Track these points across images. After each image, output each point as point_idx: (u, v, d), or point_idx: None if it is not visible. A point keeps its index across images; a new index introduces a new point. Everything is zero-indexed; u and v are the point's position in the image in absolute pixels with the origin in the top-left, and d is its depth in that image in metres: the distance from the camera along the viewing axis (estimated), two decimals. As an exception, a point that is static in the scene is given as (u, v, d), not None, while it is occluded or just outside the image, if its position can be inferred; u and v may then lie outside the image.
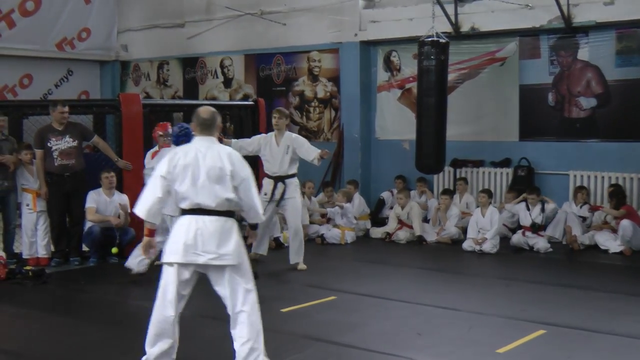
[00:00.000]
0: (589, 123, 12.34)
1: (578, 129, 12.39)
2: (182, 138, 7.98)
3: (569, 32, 12.28)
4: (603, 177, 12.10)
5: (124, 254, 10.33)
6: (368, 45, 14.37)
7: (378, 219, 13.30)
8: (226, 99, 16.31)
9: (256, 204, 5.92)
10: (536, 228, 11.38)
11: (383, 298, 8.43)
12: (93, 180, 10.46)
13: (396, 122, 14.24)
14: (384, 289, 8.88)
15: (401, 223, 12.35)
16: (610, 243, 11.05)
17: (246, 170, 5.88)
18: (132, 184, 10.66)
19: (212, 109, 6.14)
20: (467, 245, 11.34)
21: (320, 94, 15.11)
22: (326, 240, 12.09)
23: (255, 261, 9.36)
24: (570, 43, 12.39)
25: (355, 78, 14.33)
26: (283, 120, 10.19)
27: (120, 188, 10.66)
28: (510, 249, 11.34)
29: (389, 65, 14.32)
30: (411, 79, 13.86)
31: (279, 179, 10.08)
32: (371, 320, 7.56)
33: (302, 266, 10.02)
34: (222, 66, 16.62)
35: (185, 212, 5.87)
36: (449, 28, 12.70)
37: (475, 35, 13.02)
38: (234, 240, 5.80)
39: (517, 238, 11.48)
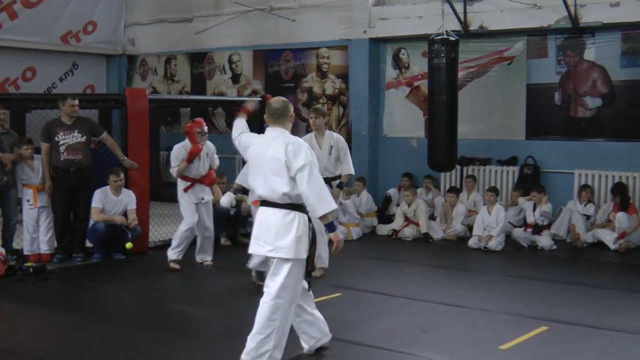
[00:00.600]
0: (594, 122, 12.38)
1: (583, 129, 12.44)
2: None
3: (575, 32, 12.32)
4: (607, 176, 12.16)
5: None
6: (377, 43, 14.40)
7: (385, 216, 13.35)
8: (234, 95, 16.35)
9: (317, 193, 5.70)
10: (539, 228, 11.43)
11: (388, 295, 8.48)
12: (98, 176, 10.40)
13: (404, 119, 14.28)
14: (389, 286, 8.93)
15: (408, 220, 12.40)
16: (609, 238, 11.20)
17: (302, 159, 5.71)
18: (138, 180, 10.72)
19: (284, 99, 6.16)
20: (472, 242, 11.40)
21: (329, 91, 15.15)
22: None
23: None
24: (577, 43, 12.44)
25: (364, 75, 14.36)
26: (321, 119, 9.43)
27: (126, 184, 10.59)
28: (514, 246, 11.40)
29: (397, 63, 14.36)
30: (420, 76, 13.90)
31: (325, 182, 9.28)
32: (376, 317, 7.62)
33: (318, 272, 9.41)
34: (230, 62, 16.67)
35: (260, 202, 6.01)
36: (457, 26, 12.73)
37: (484, 34, 13.06)
38: (293, 234, 5.76)
39: (517, 233, 11.56)
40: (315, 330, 6.31)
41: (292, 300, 5.85)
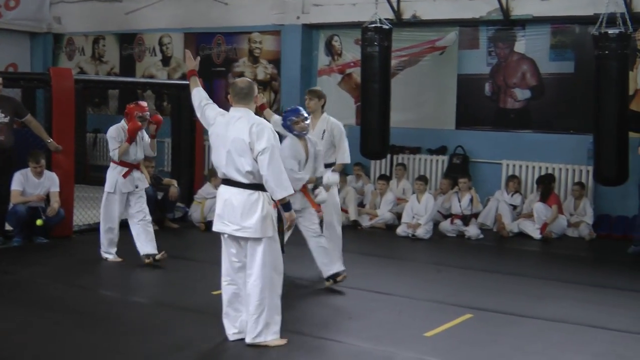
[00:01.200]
0: (522, 114, 12.57)
1: (512, 120, 12.62)
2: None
3: (507, 24, 12.48)
4: (534, 167, 12.37)
5: (51, 234, 10.16)
6: (310, 29, 14.34)
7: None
8: (164, 78, 16.12)
9: (276, 177, 5.79)
10: (467, 219, 11.52)
11: (315, 282, 8.44)
12: (22, 158, 10.02)
13: (336, 106, 14.16)
14: (316, 273, 8.88)
15: (337, 207, 12.38)
16: (531, 229, 11.41)
17: (264, 142, 5.78)
18: (63, 163, 10.41)
19: (249, 79, 6.21)
20: (401, 230, 11.44)
21: (261, 76, 15.04)
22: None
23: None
24: (508, 35, 12.60)
25: (296, 61, 14.30)
26: (315, 101, 8.81)
27: (50, 166, 10.25)
28: (442, 235, 11.49)
29: (330, 50, 14.33)
30: (352, 64, 13.90)
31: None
32: (302, 304, 7.57)
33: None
34: (161, 44, 16.42)
35: (222, 181, 6.07)
36: (391, 15, 12.76)
37: (417, 24, 13.11)
38: (259, 213, 5.87)
39: (444, 226, 11.65)
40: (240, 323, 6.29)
41: (274, 274, 6.02)
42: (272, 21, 14.55)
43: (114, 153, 9.09)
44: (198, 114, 6.40)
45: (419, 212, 11.42)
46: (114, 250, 9.24)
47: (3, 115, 9.77)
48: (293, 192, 5.99)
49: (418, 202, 11.48)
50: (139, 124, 9.09)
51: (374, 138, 12.03)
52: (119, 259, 9.17)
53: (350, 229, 11.97)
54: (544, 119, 12.37)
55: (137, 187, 9.19)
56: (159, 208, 11.44)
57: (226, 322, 6.26)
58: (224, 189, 6.04)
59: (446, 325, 6.84)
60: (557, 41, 12.24)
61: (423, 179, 11.82)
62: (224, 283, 6.25)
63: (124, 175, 9.08)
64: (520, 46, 12.53)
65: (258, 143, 5.78)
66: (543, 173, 12.10)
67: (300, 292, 8.01)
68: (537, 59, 12.39)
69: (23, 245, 9.96)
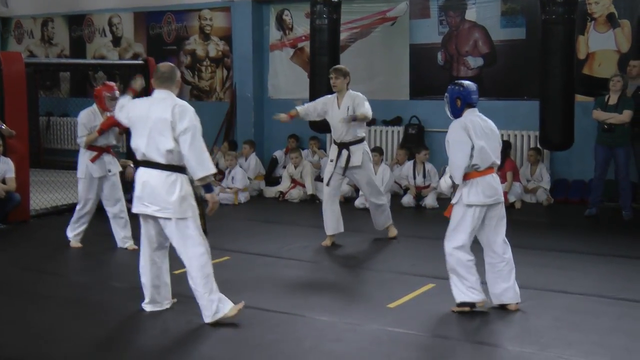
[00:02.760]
0: (476, 82, 12.28)
1: (466, 88, 12.66)
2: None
3: (457, -8, 12.52)
4: (489, 135, 12.44)
5: (8, 219, 10.07)
6: (260, 4, 14.26)
7: (271, 179, 13.32)
8: (115, 58, 15.94)
9: (197, 156, 5.89)
10: (420, 196, 11.60)
11: (277, 257, 8.48)
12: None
13: (289, 81, 14.23)
14: (277, 248, 8.92)
15: (294, 182, 12.42)
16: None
17: (187, 122, 5.90)
18: (17, 147, 10.30)
19: (171, 64, 6.39)
20: (359, 202, 11.49)
21: (212, 53, 14.94)
22: (219, 201, 12.01)
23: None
24: (459, 4, 12.64)
25: (247, 37, 14.22)
26: (341, 79, 8.92)
27: (5, 151, 10.14)
28: (400, 206, 11.56)
29: (281, 24, 14.26)
30: (304, 37, 13.86)
31: (342, 146, 8.97)
32: (265, 279, 7.60)
33: (393, 231, 9.49)
34: (110, 24, 16.21)
35: (139, 163, 6.15)
36: (340, -13, 12.71)
37: (367, -5, 13.10)
38: (177, 194, 5.99)
39: (407, 199, 11.71)
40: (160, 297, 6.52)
41: (203, 250, 6.09)
42: (221, -3, 14.46)
43: (81, 140, 8.86)
44: (120, 117, 6.71)
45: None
46: (76, 235, 9.05)
47: None
48: (214, 171, 6.10)
49: (374, 173, 11.50)
50: (115, 120, 8.46)
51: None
52: (79, 245, 9.03)
53: (309, 203, 12.03)
54: (497, 86, 12.45)
55: (109, 171, 8.93)
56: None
57: (146, 294, 6.49)
58: (142, 171, 6.15)
59: (408, 296, 6.92)
60: (507, 8, 12.31)
61: (378, 149, 11.85)
62: (142, 262, 6.43)
63: (92, 160, 8.82)
64: (471, 14, 12.58)
65: (180, 123, 5.91)
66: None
67: (261, 269, 8.02)
68: (488, 27, 12.46)
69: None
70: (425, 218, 10.93)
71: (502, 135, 11.92)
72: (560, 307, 6.62)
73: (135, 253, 8.62)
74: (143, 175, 6.12)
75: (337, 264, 8.14)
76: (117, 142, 9.38)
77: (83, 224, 9.03)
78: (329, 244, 9.04)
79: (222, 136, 14.48)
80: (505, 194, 11.32)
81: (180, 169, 6.03)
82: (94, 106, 8.96)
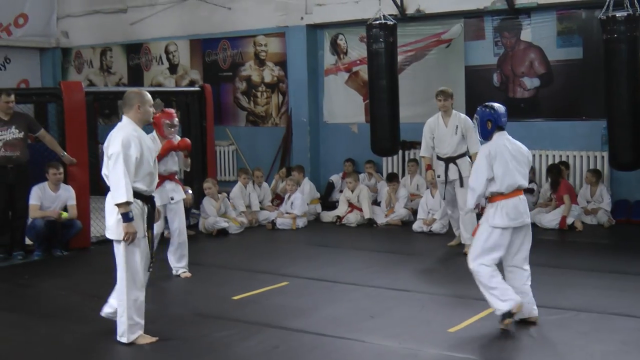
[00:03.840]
0: (532, 103, 12.51)
1: (522, 109, 12.55)
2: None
3: (512, 13, 12.41)
4: (547, 156, 12.31)
5: (70, 246, 10.23)
6: (314, 29, 14.33)
7: (328, 203, 13.31)
8: (172, 86, 16.14)
9: (114, 183, 6.13)
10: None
11: (335, 282, 8.45)
12: (36, 172, 10.13)
13: (344, 105, 14.25)
14: (335, 272, 8.89)
15: (351, 206, 12.39)
16: (547, 221, 11.42)
17: (112, 149, 6.16)
18: (78, 175, 10.49)
19: (137, 90, 6.67)
20: (417, 226, 11.42)
21: (268, 79, 15.05)
22: (277, 225, 12.08)
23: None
24: (514, 24, 12.54)
25: (302, 62, 14.29)
26: (449, 101, 9.84)
27: (65, 179, 10.33)
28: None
29: (335, 49, 14.31)
30: (358, 61, 13.88)
31: (449, 160, 9.85)
32: (323, 304, 7.57)
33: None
34: (167, 52, 16.45)
35: None
36: (394, 10, 12.71)
37: (421, 18, 13.07)
38: (114, 216, 6.23)
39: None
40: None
41: (129, 276, 6.27)
42: (276, 23, 14.56)
43: None
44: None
45: (433, 207, 11.39)
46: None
47: (17, 131, 9.89)
48: (125, 200, 6.12)
49: (432, 197, 11.45)
50: (175, 144, 8.77)
51: (384, 135, 12.01)
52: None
53: (366, 227, 11.99)
54: (554, 107, 12.30)
55: (172, 199, 8.77)
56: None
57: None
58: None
59: (469, 320, 6.83)
60: (563, 27, 12.17)
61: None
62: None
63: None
64: (526, 34, 12.47)
65: (109, 149, 6.21)
66: (557, 161, 12.05)
67: (320, 293, 8.00)
68: (544, 47, 12.32)
69: (43, 258, 10.08)
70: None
71: (560, 157, 12.02)
72: (626, 331, 6.46)
73: (189, 280, 8.74)
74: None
75: (395, 288, 8.07)
76: (186, 167, 9.29)
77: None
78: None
79: (279, 161, 14.54)
80: (564, 218, 11.17)
81: None
82: (153, 133, 8.84)
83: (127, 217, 6.13)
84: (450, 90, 9.95)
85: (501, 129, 6.72)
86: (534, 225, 11.26)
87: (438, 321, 6.84)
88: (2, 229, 10.05)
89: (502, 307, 6.42)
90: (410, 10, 12.93)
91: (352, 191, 12.41)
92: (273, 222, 12.11)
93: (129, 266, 6.26)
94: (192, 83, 15.66)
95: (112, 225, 6.27)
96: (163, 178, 8.65)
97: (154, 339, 6.37)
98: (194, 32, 15.82)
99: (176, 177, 9.07)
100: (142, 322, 6.41)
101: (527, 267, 6.68)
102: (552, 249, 10.15)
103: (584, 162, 12.08)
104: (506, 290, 6.44)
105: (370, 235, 11.48)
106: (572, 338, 6.29)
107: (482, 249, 6.51)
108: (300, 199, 12.31)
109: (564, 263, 9.10)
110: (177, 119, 8.94)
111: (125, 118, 6.39)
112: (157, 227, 8.65)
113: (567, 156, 12.13)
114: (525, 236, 6.63)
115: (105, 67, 17.59)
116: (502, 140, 6.65)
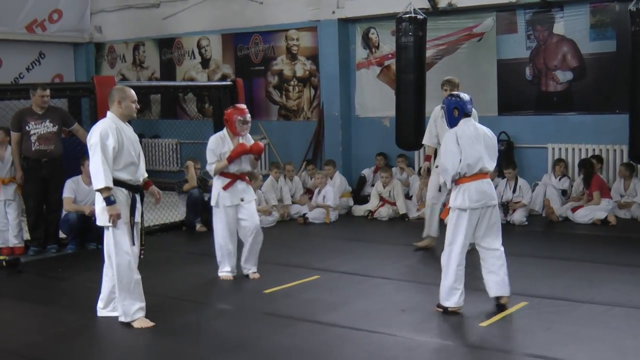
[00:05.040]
0: (565, 96, 12.42)
1: (555, 103, 12.47)
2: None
3: (544, 6, 12.33)
4: (580, 149, 12.22)
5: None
6: (346, 23, 14.33)
7: (360, 197, 13.33)
8: (204, 80, 16.24)
9: (93, 170, 6.49)
10: (505, 207, 11.39)
11: (366, 276, 8.47)
12: (70, 166, 10.23)
13: (376, 99, 14.25)
14: (367, 266, 8.92)
15: (383, 200, 12.40)
16: (581, 216, 11.36)
17: (91, 140, 6.55)
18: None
19: (120, 86, 7.17)
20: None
21: (299, 73, 15.09)
22: (309, 219, 12.12)
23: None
24: (546, 18, 12.44)
25: (334, 56, 14.30)
26: (456, 90, 8.84)
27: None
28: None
29: (367, 43, 14.31)
30: (390, 55, 13.86)
31: None
32: (355, 298, 7.60)
33: None
34: (199, 46, 16.54)
35: None
36: (426, 4, 12.67)
37: (453, 11, 13.02)
38: (99, 204, 6.60)
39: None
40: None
41: (117, 260, 6.64)
42: (307, 17, 14.58)
43: (210, 168, 8.47)
44: None
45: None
46: (227, 268, 8.54)
47: (52, 125, 10.00)
48: (103, 186, 6.46)
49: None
50: (247, 148, 8.39)
51: (409, 129, 11.94)
52: (230, 277, 8.52)
53: (398, 221, 12.00)
54: (587, 100, 12.21)
55: (242, 199, 8.43)
56: (206, 209, 11.50)
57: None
58: None
59: (502, 314, 6.83)
60: (596, 20, 12.06)
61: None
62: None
63: (225, 187, 8.39)
64: (559, 28, 12.37)
65: (90, 140, 6.58)
66: (590, 155, 11.97)
67: (351, 287, 8.03)
68: (577, 40, 12.22)
69: (76, 251, 10.21)
70: (513, 234, 10.71)
71: (593, 150, 11.93)
72: (661, 326, 6.43)
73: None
74: None
75: (426, 282, 8.06)
76: (253, 168, 8.78)
77: (223, 255, 8.56)
78: None
79: (311, 155, 14.58)
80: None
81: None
82: (224, 131, 8.53)
83: (108, 201, 6.50)
84: (457, 80, 9.68)
85: (467, 115, 7.09)
86: (567, 220, 11.37)
87: (469, 315, 6.84)
88: (36, 222, 10.16)
89: (443, 302, 6.92)
90: (442, 4, 12.88)
91: (385, 186, 12.41)
92: (305, 217, 12.15)
93: (120, 250, 6.63)
94: (224, 77, 15.74)
95: (99, 213, 6.64)
96: (235, 177, 8.44)
97: (151, 324, 6.69)
98: (226, 27, 15.89)
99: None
100: (143, 304, 6.78)
101: (498, 246, 7.00)
102: (585, 243, 10.09)
103: (617, 155, 11.99)
104: (454, 287, 6.87)
105: (402, 230, 11.47)
106: (605, 333, 6.27)
107: (452, 232, 6.89)
108: (332, 192, 12.35)
109: (597, 258, 9.05)
110: (249, 115, 8.50)
111: (108, 112, 6.78)
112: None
113: (600, 150, 12.04)
114: (490, 217, 6.91)
115: (137, 61, 17.73)
116: (468, 125, 6.99)
